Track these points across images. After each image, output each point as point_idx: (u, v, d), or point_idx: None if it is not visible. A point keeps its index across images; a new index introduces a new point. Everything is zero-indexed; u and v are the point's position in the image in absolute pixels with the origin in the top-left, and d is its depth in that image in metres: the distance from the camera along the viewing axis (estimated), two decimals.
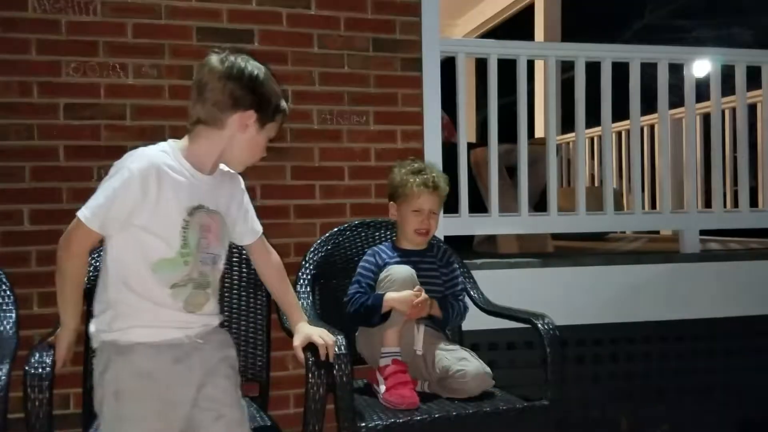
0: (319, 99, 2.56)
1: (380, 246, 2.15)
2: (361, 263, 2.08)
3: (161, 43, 2.39)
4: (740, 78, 3.07)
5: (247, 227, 1.67)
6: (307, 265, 2.13)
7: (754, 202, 3.29)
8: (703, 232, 3.15)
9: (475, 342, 2.64)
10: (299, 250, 2.33)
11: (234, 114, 1.48)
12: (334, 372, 1.63)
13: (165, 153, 1.47)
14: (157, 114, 2.38)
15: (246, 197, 1.67)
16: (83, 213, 1.41)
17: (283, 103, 1.56)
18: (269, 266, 1.74)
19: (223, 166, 1.57)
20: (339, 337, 1.66)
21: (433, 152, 2.66)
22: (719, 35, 13.18)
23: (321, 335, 1.64)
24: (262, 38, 2.50)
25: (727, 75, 3.08)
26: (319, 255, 2.16)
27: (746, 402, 2.95)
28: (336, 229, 2.23)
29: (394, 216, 2.13)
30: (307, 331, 1.66)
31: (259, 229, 1.71)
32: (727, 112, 3.72)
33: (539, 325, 1.92)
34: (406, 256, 2.07)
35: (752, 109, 3.35)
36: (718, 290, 2.95)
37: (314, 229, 2.49)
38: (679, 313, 2.90)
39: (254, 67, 1.51)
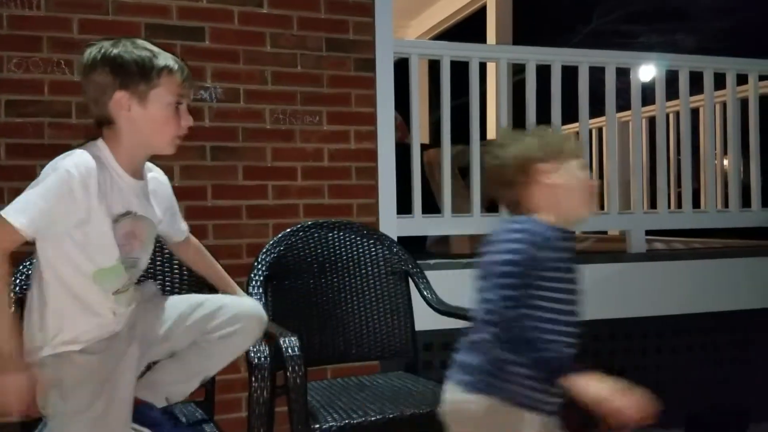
0: (271, 98, 2.53)
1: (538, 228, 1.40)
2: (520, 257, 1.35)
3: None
4: (683, 83, 3.18)
5: (174, 228, 1.68)
6: (259, 266, 2.10)
7: (696, 203, 3.40)
8: (648, 232, 3.24)
9: (428, 342, 2.66)
10: (251, 251, 2.30)
11: (109, 102, 1.40)
12: (287, 374, 1.61)
13: (99, 157, 1.40)
14: None
15: (174, 199, 1.66)
16: (9, 212, 1.29)
17: (161, 61, 1.41)
18: (194, 253, 1.76)
19: (149, 167, 1.55)
20: (291, 338, 1.64)
21: (386, 153, 2.66)
22: (665, 41, 13.63)
23: None
24: (213, 36, 2.46)
25: (672, 79, 3.19)
26: (272, 256, 2.14)
27: (693, 396, 3.05)
28: (289, 230, 2.21)
29: (550, 186, 1.43)
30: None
31: (185, 228, 1.72)
32: (671, 116, 3.85)
33: None
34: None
35: (696, 113, 3.48)
36: (664, 288, 3.05)
37: (267, 229, 2.47)
38: (627, 311, 2.98)
39: (110, 47, 1.41)
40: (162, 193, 1.59)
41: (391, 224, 2.64)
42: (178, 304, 1.62)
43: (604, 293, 2.95)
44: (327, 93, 2.59)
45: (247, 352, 1.64)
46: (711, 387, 3.07)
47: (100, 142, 1.44)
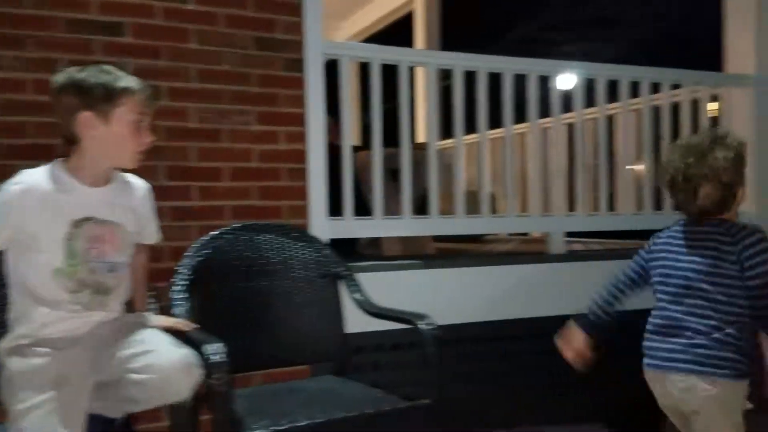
0: (196, 97, 2.46)
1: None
2: None
3: (25, 34, 2.20)
4: (601, 91, 3.32)
5: (143, 234, 1.76)
6: (183, 270, 2.03)
7: (613, 206, 3.56)
8: (569, 234, 3.36)
9: (360, 345, 2.65)
10: (175, 255, 2.21)
11: (75, 122, 1.55)
12: (212, 381, 1.56)
13: (47, 172, 1.56)
14: (20, 110, 2.18)
15: (148, 204, 1.77)
16: None
17: (123, 83, 1.58)
18: (137, 265, 1.80)
19: (125, 176, 1.68)
20: (216, 345, 1.60)
21: (317, 154, 2.64)
22: (585, 50, 14.22)
23: (179, 320, 1.75)
24: (134, 32, 2.37)
25: (591, 88, 3.31)
26: (197, 260, 2.07)
27: (617, 391, 3.17)
28: (215, 233, 2.15)
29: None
30: (161, 319, 1.75)
31: (154, 238, 1.81)
32: (589, 123, 4.01)
33: (420, 326, 1.96)
34: None
35: (612, 119, 3.62)
36: (583, 288, 3.14)
37: (191, 232, 2.38)
38: (548, 310, 3.07)
39: (76, 71, 1.57)
40: (133, 198, 1.71)
41: (322, 226, 2.62)
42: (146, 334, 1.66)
43: (528, 293, 3.04)
44: (255, 92, 2.54)
45: None
46: (633, 382, 3.20)
47: (58, 160, 1.60)
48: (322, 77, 2.67)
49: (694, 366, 1.62)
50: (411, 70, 3.05)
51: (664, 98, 3.40)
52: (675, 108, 3.44)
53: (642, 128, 3.41)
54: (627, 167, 3.47)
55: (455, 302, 2.86)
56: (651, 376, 1.77)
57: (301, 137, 2.62)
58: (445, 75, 3.15)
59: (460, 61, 3.01)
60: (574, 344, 1.94)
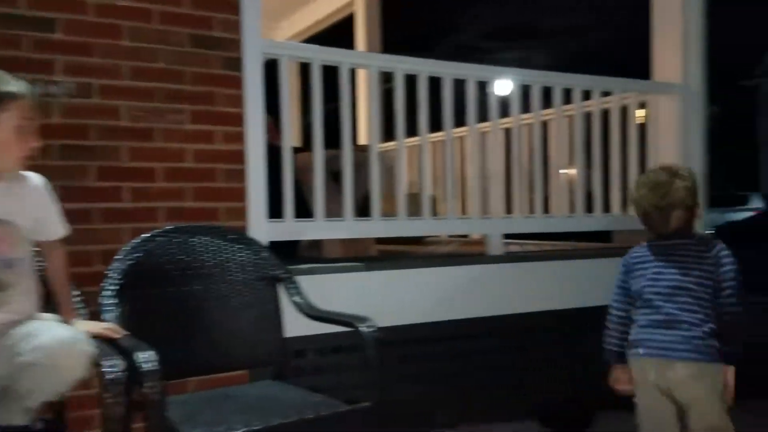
0: (129, 95, 2.38)
1: None
2: None
3: None
4: (536, 97, 3.40)
5: (43, 230, 1.72)
6: (112, 274, 1.95)
7: (548, 209, 3.65)
8: (506, 236, 3.43)
9: (300, 348, 2.62)
10: (106, 258, 2.13)
11: None
12: (144, 390, 1.51)
13: None
14: None
15: (45, 198, 1.74)
16: None
17: (9, 88, 1.59)
18: (54, 266, 1.79)
19: (19, 172, 1.67)
20: (147, 352, 1.55)
21: (255, 155, 2.60)
22: (521, 57, 14.60)
23: (107, 326, 1.71)
24: (65, 28, 2.28)
25: (526, 94, 3.40)
26: (128, 263, 1.99)
27: (550, 389, 3.25)
28: (147, 235, 2.08)
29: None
30: (89, 325, 1.70)
31: (59, 233, 1.76)
32: (525, 128, 4.10)
33: (361, 328, 1.95)
34: None
35: (547, 125, 3.72)
36: (520, 288, 3.23)
37: (123, 235, 2.30)
38: (487, 310, 3.12)
39: None
40: (27, 194, 1.69)
41: (262, 228, 2.58)
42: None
43: (468, 293, 3.08)
44: (190, 91, 2.47)
45: (100, 366, 1.53)
46: (566, 379, 3.30)
47: None
48: (261, 76, 2.63)
49: (695, 354, 1.93)
50: (352, 72, 3.05)
51: (595, 105, 3.52)
52: (605, 114, 3.56)
53: (574, 134, 3.52)
54: (561, 171, 3.58)
55: (397, 304, 2.87)
56: (646, 364, 2.02)
57: (239, 137, 2.57)
58: (387, 78, 3.16)
59: (401, 65, 3.02)
60: (626, 379, 2.14)
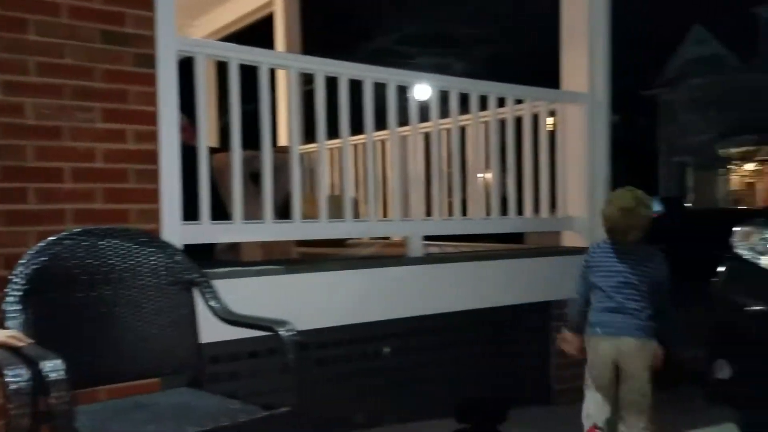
0: (35, 91, 2.26)
1: None
2: None
3: None
4: (454, 103, 3.49)
5: None
6: (16, 279, 1.85)
7: (465, 212, 3.75)
8: (426, 238, 3.50)
9: (215, 354, 2.57)
10: (9, 263, 2.01)
11: None
12: (51, 400, 1.45)
13: None
14: None
15: None
16: None
17: None
18: None
19: None
20: (54, 361, 1.48)
21: (169, 155, 2.53)
22: (440, 63, 14.92)
23: (11, 334, 1.63)
24: None
25: (445, 99, 3.48)
26: (33, 268, 1.89)
27: (468, 386, 3.34)
28: (53, 238, 1.98)
29: None
30: None
31: None
32: (444, 132, 4.20)
33: (280, 332, 1.94)
34: None
35: (465, 130, 3.83)
36: (439, 288, 3.31)
37: (27, 238, 2.18)
38: (408, 310, 3.18)
39: None
40: None
41: (176, 231, 2.51)
42: None
43: (389, 295, 3.12)
44: (101, 88, 2.38)
45: (3, 376, 1.45)
46: (483, 376, 3.40)
47: None
48: (176, 74, 2.56)
49: (638, 332, 2.50)
50: (272, 72, 3.02)
51: (509, 112, 3.66)
52: (519, 121, 3.71)
53: (490, 139, 3.64)
54: (478, 175, 3.69)
55: (317, 307, 2.87)
56: (600, 340, 2.56)
57: (152, 136, 2.50)
58: (307, 79, 3.15)
59: (322, 66, 3.02)
60: (575, 344, 2.66)
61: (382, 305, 3.10)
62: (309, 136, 3.32)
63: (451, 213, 3.57)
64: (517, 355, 3.60)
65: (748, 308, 2.54)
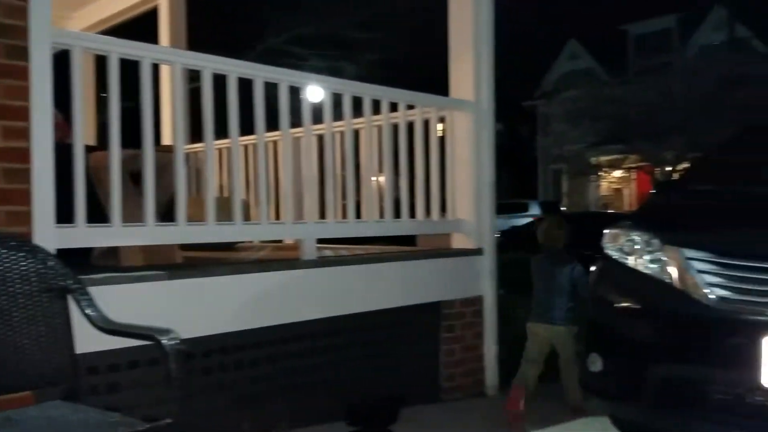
0: None
1: None
2: None
3: None
4: (347, 105, 3.52)
5: None
6: None
7: (359, 215, 3.79)
8: (320, 241, 3.49)
9: (93, 365, 2.43)
10: None
11: None
12: None
13: None
14: None
15: None
16: None
17: None
18: None
19: None
20: None
21: (42, 153, 2.36)
22: (333, 66, 14.94)
23: None
24: None
25: (338, 102, 3.49)
26: None
27: (355, 390, 3.36)
28: None
29: None
30: None
31: None
32: (338, 135, 4.22)
33: (162, 341, 1.86)
34: None
35: (358, 133, 3.86)
36: (333, 292, 3.31)
37: None
38: (302, 314, 3.15)
39: None
40: None
41: (49, 235, 2.35)
42: None
43: (281, 299, 3.08)
44: None
45: None
46: (374, 378, 3.44)
47: None
48: (50, 68, 2.40)
49: (563, 321, 3.52)
50: (156, 68, 2.89)
51: (401, 117, 3.74)
52: (411, 126, 3.80)
53: (383, 143, 3.70)
54: (372, 178, 3.74)
55: (203, 313, 2.79)
56: (536, 326, 3.59)
57: (23, 133, 2.32)
58: (194, 77, 3.05)
59: (209, 63, 2.94)
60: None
61: (274, 310, 3.05)
62: (197, 135, 3.21)
63: (345, 216, 3.59)
64: (409, 356, 3.67)
65: (617, 305, 2.73)
